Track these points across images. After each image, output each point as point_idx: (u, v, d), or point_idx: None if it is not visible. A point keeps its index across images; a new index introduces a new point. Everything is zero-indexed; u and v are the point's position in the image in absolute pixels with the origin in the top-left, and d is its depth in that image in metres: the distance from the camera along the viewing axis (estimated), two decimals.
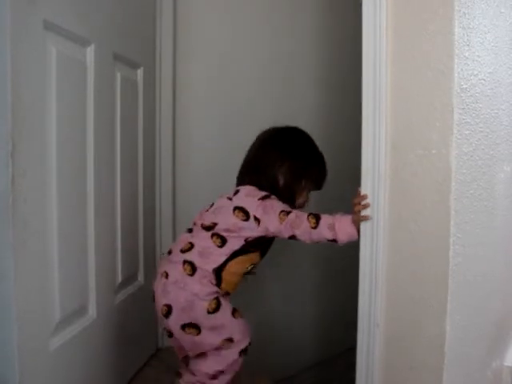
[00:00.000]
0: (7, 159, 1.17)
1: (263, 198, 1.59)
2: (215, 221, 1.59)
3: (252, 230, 1.57)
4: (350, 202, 1.44)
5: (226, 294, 1.62)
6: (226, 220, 1.59)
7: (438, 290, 1.34)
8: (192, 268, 1.55)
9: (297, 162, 1.66)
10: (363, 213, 1.40)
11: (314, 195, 1.74)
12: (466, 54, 1.31)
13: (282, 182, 1.64)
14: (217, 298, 1.56)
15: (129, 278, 1.82)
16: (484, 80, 1.39)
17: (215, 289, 1.56)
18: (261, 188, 1.62)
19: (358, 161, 1.40)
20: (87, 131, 1.50)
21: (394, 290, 1.41)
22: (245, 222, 1.57)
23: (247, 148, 2.13)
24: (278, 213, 1.56)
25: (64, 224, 1.38)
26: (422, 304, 1.37)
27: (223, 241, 1.58)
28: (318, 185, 1.71)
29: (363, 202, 1.40)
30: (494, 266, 1.53)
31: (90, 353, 1.54)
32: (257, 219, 1.57)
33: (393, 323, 1.43)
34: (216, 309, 1.55)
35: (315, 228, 1.52)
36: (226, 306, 1.59)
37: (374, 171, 1.38)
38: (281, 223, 1.55)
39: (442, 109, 1.30)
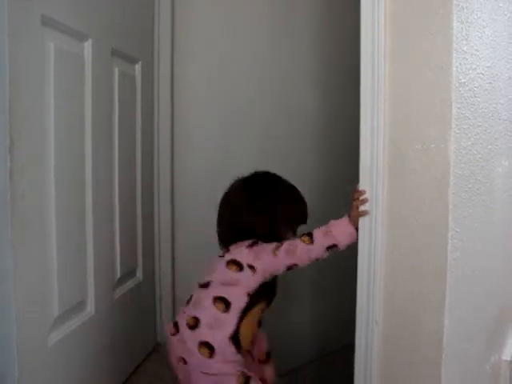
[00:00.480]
0: (5, 155, 1.17)
1: (251, 245, 1.55)
2: (210, 278, 1.57)
3: (249, 280, 1.53)
4: (350, 198, 1.44)
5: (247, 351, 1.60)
6: (222, 275, 1.56)
7: (437, 285, 1.34)
8: (209, 347, 1.51)
9: (270, 208, 1.59)
10: (361, 208, 1.40)
11: (314, 201, 1.72)
12: (465, 49, 1.30)
13: (264, 230, 1.58)
14: (242, 373, 1.53)
15: (127, 274, 1.82)
16: (482, 74, 1.39)
17: (240, 361, 1.54)
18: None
19: (358, 160, 1.39)
20: (85, 127, 1.50)
21: (393, 286, 1.41)
22: (240, 273, 1.54)
23: (246, 148, 2.13)
24: (269, 251, 1.52)
25: (62, 220, 1.38)
26: (420, 299, 1.37)
27: (226, 304, 1.53)
28: (300, 220, 1.63)
29: (361, 197, 1.40)
30: (492, 260, 1.54)
31: (88, 348, 1.54)
32: (251, 267, 1.53)
33: (391, 319, 1.42)
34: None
35: (312, 243, 1.48)
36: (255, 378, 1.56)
37: (372, 167, 1.38)
38: (274, 256, 1.50)
39: (441, 103, 1.30)
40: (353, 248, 1.47)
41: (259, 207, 1.60)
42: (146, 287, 1.99)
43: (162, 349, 2.06)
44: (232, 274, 1.55)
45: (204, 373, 1.52)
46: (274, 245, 1.52)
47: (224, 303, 1.54)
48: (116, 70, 1.69)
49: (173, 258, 2.11)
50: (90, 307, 1.57)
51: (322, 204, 2.33)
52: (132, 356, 1.89)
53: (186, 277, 2.14)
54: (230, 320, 1.53)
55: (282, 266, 1.51)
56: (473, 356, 1.50)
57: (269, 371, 1.69)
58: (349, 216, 1.46)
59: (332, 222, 1.50)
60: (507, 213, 1.59)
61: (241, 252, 1.56)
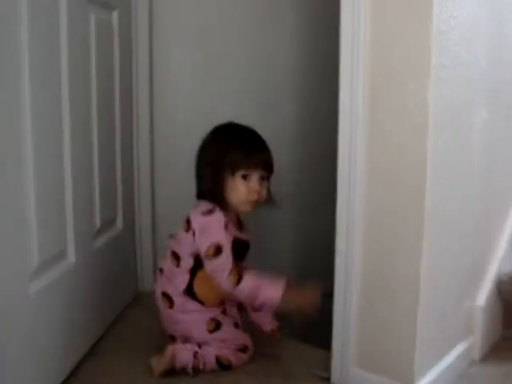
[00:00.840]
0: None
1: (206, 213, 1.52)
2: (178, 232, 1.57)
3: (190, 245, 1.52)
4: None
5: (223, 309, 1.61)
6: (179, 231, 1.56)
7: (414, 232, 1.37)
8: (168, 298, 1.58)
9: (209, 154, 1.56)
10: None
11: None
12: None
13: (209, 183, 1.54)
14: (213, 319, 1.56)
15: (107, 224, 1.82)
16: (463, 23, 1.38)
17: (205, 310, 1.56)
18: (205, 198, 1.56)
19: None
20: (62, 74, 1.46)
21: (371, 231, 1.43)
22: (186, 234, 1.53)
23: (228, 92, 2.13)
24: (208, 241, 1.49)
25: (40, 167, 1.37)
26: (398, 245, 1.40)
27: (177, 259, 1.55)
28: (245, 166, 1.52)
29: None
30: (469, 208, 1.56)
31: (70, 297, 1.55)
32: (194, 234, 1.52)
33: (369, 265, 1.45)
34: (216, 328, 1.57)
35: (235, 285, 1.46)
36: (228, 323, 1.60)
37: (351, 117, 1.38)
38: (206, 256, 1.49)
39: (420, 52, 1.30)
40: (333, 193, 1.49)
41: (206, 158, 1.57)
42: (126, 236, 1.99)
43: (143, 297, 2.09)
44: (182, 232, 1.56)
45: (173, 322, 1.59)
46: (215, 238, 1.49)
47: (176, 258, 1.57)
48: (92, 17, 1.65)
49: (153, 207, 2.12)
50: (71, 256, 1.57)
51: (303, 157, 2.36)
52: (113, 305, 1.91)
53: (166, 226, 2.15)
54: (181, 275, 1.56)
55: (206, 266, 1.52)
56: (448, 301, 1.54)
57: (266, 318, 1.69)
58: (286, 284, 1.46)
59: (266, 283, 1.47)
60: (485, 162, 1.60)
61: (195, 215, 1.55)
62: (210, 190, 1.54)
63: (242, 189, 1.53)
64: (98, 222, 1.73)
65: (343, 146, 1.42)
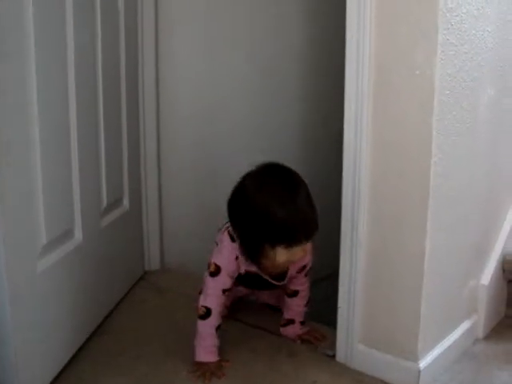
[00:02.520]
0: None
1: (229, 236, 1.51)
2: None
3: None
4: None
5: None
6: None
7: (419, 210, 1.37)
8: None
9: (248, 216, 1.42)
10: None
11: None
12: None
13: (244, 242, 1.47)
14: None
15: (114, 203, 1.83)
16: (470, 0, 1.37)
17: None
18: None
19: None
20: (67, 53, 1.46)
21: (376, 209, 1.44)
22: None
23: (233, 69, 2.16)
24: (216, 258, 1.52)
25: (47, 147, 1.37)
26: (403, 223, 1.40)
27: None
28: (273, 238, 1.39)
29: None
30: (474, 187, 1.56)
31: (77, 276, 1.57)
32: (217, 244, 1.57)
33: (375, 242, 1.46)
34: None
35: (201, 319, 1.52)
36: None
37: (357, 92, 1.38)
38: (207, 268, 1.53)
39: (427, 29, 1.29)
40: (339, 175, 1.49)
41: (243, 217, 1.45)
42: (133, 215, 2.00)
43: (150, 276, 2.10)
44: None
45: None
46: (218, 258, 1.52)
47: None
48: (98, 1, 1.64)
49: (159, 186, 2.12)
50: (78, 235, 1.58)
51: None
52: (120, 283, 1.92)
53: (173, 205, 2.17)
54: None
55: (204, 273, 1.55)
56: (452, 279, 1.55)
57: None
58: None
59: (200, 345, 1.53)
60: (490, 141, 1.60)
61: (223, 230, 1.56)
62: (246, 250, 1.48)
63: (281, 258, 1.42)
64: (104, 201, 1.73)
65: (349, 124, 1.42)
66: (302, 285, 1.64)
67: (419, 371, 1.43)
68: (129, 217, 1.95)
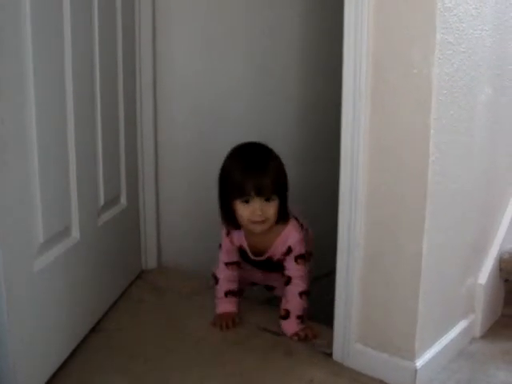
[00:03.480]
0: None
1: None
2: None
3: None
4: None
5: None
6: None
7: (416, 210, 1.37)
8: None
9: (219, 179, 1.67)
10: None
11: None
12: None
13: (221, 205, 1.67)
14: None
15: (111, 201, 1.82)
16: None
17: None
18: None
19: None
20: (65, 54, 1.46)
21: (374, 210, 1.44)
22: None
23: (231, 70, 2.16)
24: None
25: (44, 145, 1.37)
26: (400, 223, 1.40)
27: None
28: (243, 191, 1.57)
29: None
30: (471, 186, 1.56)
31: (74, 274, 1.56)
32: None
33: (372, 242, 1.46)
34: None
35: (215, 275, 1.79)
36: None
37: (354, 91, 1.38)
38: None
39: (425, 28, 1.29)
40: (335, 175, 1.49)
41: (218, 183, 1.67)
42: (131, 213, 2.00)
43: (147, 275, 2.10)
44: None
45: None
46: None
47: None
48: None
49: (157, 184, 2.11)
50: (75, 233, 1.57)
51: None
52: (117, 282, 1.92)
53: (171, 203, 2.16)
54: None
55: None
56: (449, 279, 1.55)
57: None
58: None
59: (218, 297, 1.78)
60: (488, 140, 1.60)
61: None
62: (223, 215, 1.67)
63: (243, 213, 1.59)
64: (102, 199, 1.73)
65: (346, 123, 1.42)
66: (294, 271, 1.68)
67: (416, 370, 1.43)
68: (126, 215, 1.95)
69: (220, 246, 1.76)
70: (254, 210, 1.57)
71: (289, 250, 1.66)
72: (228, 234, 1.72)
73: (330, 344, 1.58)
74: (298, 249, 1.66)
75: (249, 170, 1.58)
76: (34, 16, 1.29)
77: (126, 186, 1.93)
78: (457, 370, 1.54)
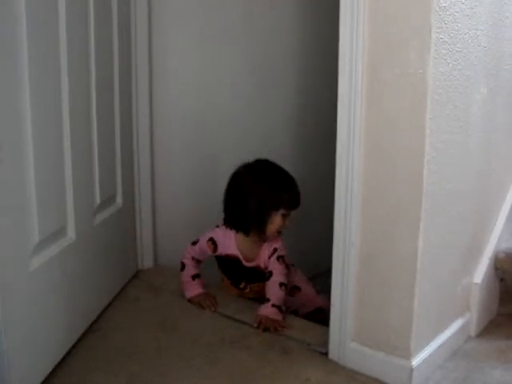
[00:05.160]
0: None
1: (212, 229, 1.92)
2: None
3: None
4: None
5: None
6: None
7: (412, 209, 1.37)
8: None
9: (259, 193, 1.78)
10: None
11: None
12: None
13: (254, 214, 1.79)
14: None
15: (107, 200, 1.82)
16: None
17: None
18: (231, 221, 1.86)
19: None
20: (60, 54, 1.46)
21: (369, 210, 1.44)
22: None
23: (228, 68, 2.18)
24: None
25: (40, 145, 1.37)
26: (396, 223, 1.41)
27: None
28: (288, 205, 1.80)
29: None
30: (467, 186, 1.57)
31: (70, 274, 1.56)
32: None
33: (367, 242, 1.46)
34: None
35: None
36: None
37: (350, 91, 1.38)
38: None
39: (420, 28, 1.29)
40: (331, 175, 1.50)
41: (255, 196, 1.79)
42: (126, 213, 1.99)
43: (143, 274, 2.10)
44: None
45: None
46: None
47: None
48: None
49: (153, 184, 2.11)
50: (71, 233, 1.57)
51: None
52: (113, 281, 1.92)
53: (166, 203, 2.16)
54: None
55: None
56: (445, 278, 1.55)
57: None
58: None
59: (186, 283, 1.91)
60: (484, 140, 1.61)
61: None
62: (254, 222, 1.81)
63: (278, 223, 1.80)
64: (97, 199, 1.73)
65: (342, 122, 1.42)
66: (275, 268, 1.84)
67: (412, 369, 1.43)
68: (122, 215, 1.95)
69: (194, 243, 1.90)
70: (285, 221, 1.81)
71: (274, 251, 1.85)
72: (213, 242, 1.88)
73: (326, 343, 1.58)
74: (280, 250, 1.86)
75: (290, 188, 1.82)
76: (29, 14, 1.29)
77: (121, 185, 1.92)
78: (452, 368, 1.54)
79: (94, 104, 1.67)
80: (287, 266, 1.87)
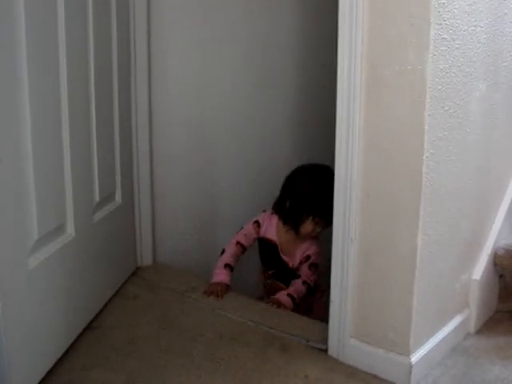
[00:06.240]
0: None
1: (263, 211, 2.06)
2: None
3: None
4: None
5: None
6: None
7: (411, 206, 1.37)
8: None
9: (305, 196, 1.92)
10: None
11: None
12: None
13: (290, 206, 1.94)
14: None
15: (106, 198, 1.82)
16: None
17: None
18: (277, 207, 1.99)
19: None
20: (59, 51, 1.45)
21: (368, 206, 1.44)
22: None
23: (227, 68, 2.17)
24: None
25: (39, 142, 1.37)
26: (395, 219, 1.41)
27: None
28: (323, 215, 1.86)
29: None
30: (466, 182, 1.57)
31: (69, 271, 1.56)
32: None
33: (366, 238, 1.46)
34: None
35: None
36: None
37: (349, 88, 1.38)
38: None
39: (419, 24, 1.29)
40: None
41: (301, 198, 1.93)
42: (126, 210, 1.99)
43: (143, 272, 2.10)
44: None
45: None
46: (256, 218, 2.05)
47: None
48: None
49: (151, 181, 2.11)
50: (70, 230, 1.57)
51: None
52: (112, 279, 1.92)
53: (165, 200, 2.16)
54: None
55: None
56: (444, 275, 1.56)
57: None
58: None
59: (217, 266, 1.97)
60: (483, 136, 1.61)
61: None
62: (292, 219, 1.95)
63: (309, 228, 1.93)
64: (97, 196, 1.73)
65: (341, 120, 1.42)
66: (305, 274, 1.95)
67: (411, 366, 1.43)
68: (121, 212, 1.95)
69: (242, 228, 2.02)
70: (315, 228, 1.92)
71: (307, 258, 1.96)
72: (258, 224, 2.01)
73: (325, 340, 1.58)
74: (314, 258, 1.96)
75: (327, 199, 1.75)
76: (28, 14, 1.29)
77: (121, 183, 1.92)
78: (451, 365, 1.54)
79: (93, 102, 1.67)
80: (318, 274, 1.97)
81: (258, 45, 2.29)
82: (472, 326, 1.70)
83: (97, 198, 1.73)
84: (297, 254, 1.99)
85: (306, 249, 1.98)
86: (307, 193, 1.92)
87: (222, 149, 2.25)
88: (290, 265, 1.99)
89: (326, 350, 1.58)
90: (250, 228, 2.02)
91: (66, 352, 1.55)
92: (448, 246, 1.54)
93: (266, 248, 2.02)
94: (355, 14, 1.34)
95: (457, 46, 1.38)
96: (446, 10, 1.32)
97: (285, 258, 1.99)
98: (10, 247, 1.29)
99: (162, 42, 2.06)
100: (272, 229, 2.01)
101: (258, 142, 2.33)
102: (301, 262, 1.98)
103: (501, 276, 1.80)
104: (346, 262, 1.48)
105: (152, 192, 2.12)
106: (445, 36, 1.33)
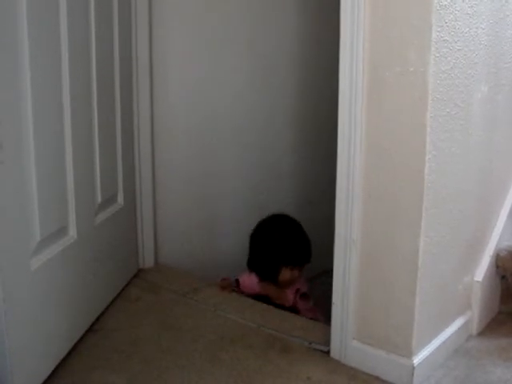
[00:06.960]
0: None
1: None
2: None
3: None
4: None
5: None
6: None
7: (413, 207, 1.37)
8: None
9: (274, 248, 1.99)
10: None
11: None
12: None
13: (266, 266, 1.99)
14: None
15: (108, 200, 1.82)
16: None
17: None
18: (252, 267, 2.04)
19: None
20: (62, 53, 1.46)
21: (370, 207, 1.44)
22: None
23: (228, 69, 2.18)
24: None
25: (41, 144, 1.37)
26: (397, 221, 1.41)
27: None
28: (296, 262, 1.96)
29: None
30: (468, 184, 1.57)
31: (71, 273, 1.56)
32: None
33: (368, 239, 1.46)
34: None
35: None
36: None
37: (351, 90, 1.38)
38: None
39: (421, 26, 1.29)
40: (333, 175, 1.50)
41: (270, 250, 2.00)
42: (128, 212, 1.99)
43: (144, 274, 2.10)
44: None
45: None
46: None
47: None
48: None
49: (153, 183, 2.11)
50: (72, 232, 1.57)
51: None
52: (115, 281, 1.92)
53: (167, 202, 2.16)
54: None
55: None
56: (446, 276, 1.55)
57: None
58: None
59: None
60: (484, 138, 1.61)
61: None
62: (268, 274, 2.00)
63: (286, 276, 1.97)
64: (99, 198, 1.73)
65: (343, 122, 1.42)
66: (303, 308, 1.99)
67: (413, 367, 1.43)
68: (123, 214, 1.95)
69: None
70: (294, 274, 1.97)
71: (297, 291, 2.00)
72: (238, 283, 2.04)
73: (327, 341, 1.58)
74: (302, 288, 2.02)
75: (297, 246, 1.99)
76: (30, 13, 1.29)
77: (122, 185, 1.92)
78: (454, 366, 1.54)
79: (95, 103, 1.67)
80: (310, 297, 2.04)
81: (259, 47, 2.29)
82: (474, 328, 1.70)
83: (99, 200, 1.73)
84: (288, 293, 2.01)
85: (293, 286, 2.01)
86: (276, 245, 1.98)
87: (223, 152, 2.25)
88: (287, 305, 2.00)
89: (328, 352, 1.58)
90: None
91: (69, 354, 1.55)
92: (450, 247, 1.54)
93: (259, 299, 1.99)
94: (357, 15, 1.34)
95: (458, 47, 1.38)
96: (448, 11, 1.32)
97: (278, 302, 2.00)
98: (12, 249, 1.29)
99: (164, 45, 2.07)
100: (255, 285, 2.02)
101: (260, 146, 2.33)
102: (295, 298, 2.01)
103: (503, 277, 1.80)
104: (347, 263, 1.48)
105: (154, 194, 2.12)
106: (446, 38, 1.33)
